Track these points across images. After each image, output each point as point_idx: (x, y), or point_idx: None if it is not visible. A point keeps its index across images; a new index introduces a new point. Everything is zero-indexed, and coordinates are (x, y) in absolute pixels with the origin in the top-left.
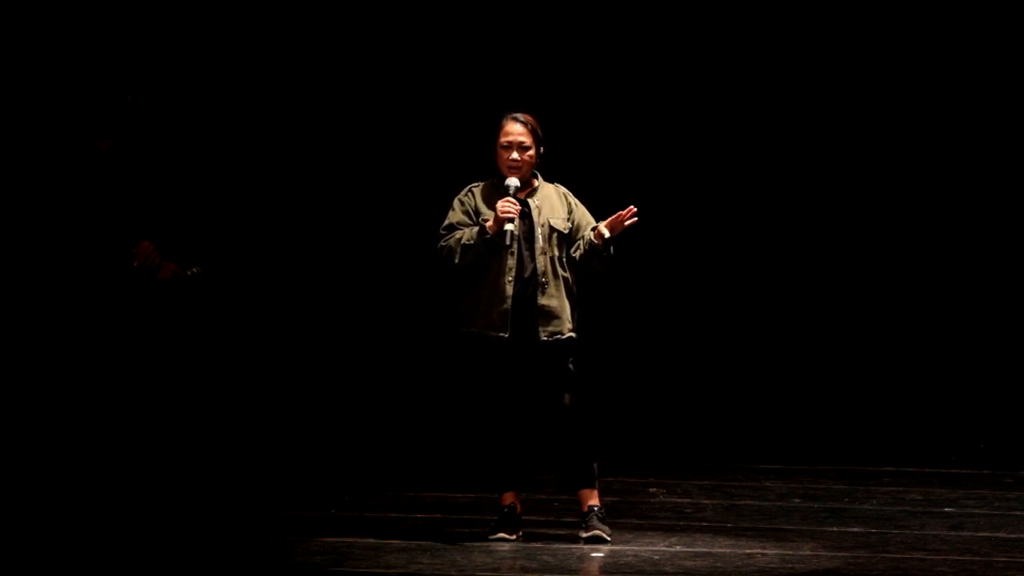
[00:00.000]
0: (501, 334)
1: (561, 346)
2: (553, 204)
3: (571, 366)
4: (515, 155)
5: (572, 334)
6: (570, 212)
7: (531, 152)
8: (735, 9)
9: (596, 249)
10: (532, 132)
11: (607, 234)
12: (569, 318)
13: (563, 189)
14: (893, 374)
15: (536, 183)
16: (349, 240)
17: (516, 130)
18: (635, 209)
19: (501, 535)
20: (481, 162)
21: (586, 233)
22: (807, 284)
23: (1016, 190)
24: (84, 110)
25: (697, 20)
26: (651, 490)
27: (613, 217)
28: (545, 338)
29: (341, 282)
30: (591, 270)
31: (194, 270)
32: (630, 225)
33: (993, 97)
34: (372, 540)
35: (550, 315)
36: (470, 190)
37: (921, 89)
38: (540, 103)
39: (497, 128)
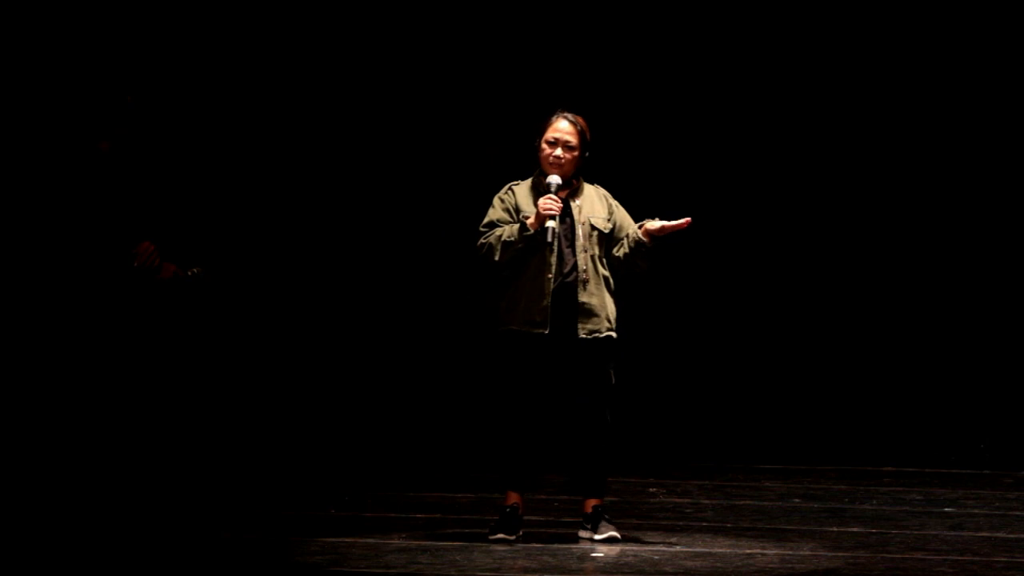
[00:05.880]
0: (541, 331)
1: (600, 344)
2: (594, 204)
3: (610, 371)
4: (559, 152)
5: (611, 333)
6: (611, 213)
7: (576, 153)
8: (738, 10)
9: (643, 245)
10: (580, 133)
11: (655, 227)
12: (609, 316)
13: (603, 191)
14: (893, 374)
15: (577, 184)
16: (348, 240)
17: (564, 128)
18: (690, 220)
19: (500, 535)
20: (481, 162)
21: (631, 231)
22: (807, 284)
23: (1016, 190)
24: (84, 110)
25: (700, 21)
26: (651, 490)
27: (667, 223)
28: (584, 335)
29: (341, 282)
30: (636, 267)
31: (194, 270)
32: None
33: (993, 97)
34: (372, 540)
35: (590, 312)
36: (510, 188)
37: (921, 90)
38: (539, 104)
39: (544, 124)
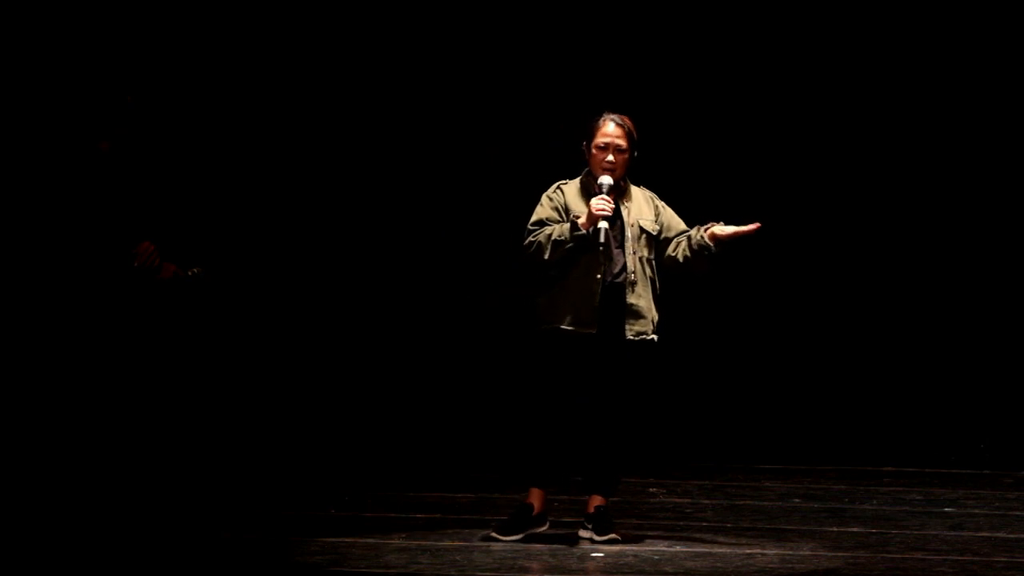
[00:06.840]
0: (589, 330)
1: (645, 347)
2: (641, 206)
3: (649, 374)
4: (611, 157)
5: (654, 336)
6: (657, 215)
7: (626, 155)
8: (745, 11)
9: (708, 249)
10: (628, 134)
11: (727, 232)
12: (653, 319)
13: (649, 192)
14: (893, 374)
15: (625, 185)
16: (347, 241)
17: (613, 131)
18: (760, 225)
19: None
20: (481, 162)
21: (694, 233)
22: (807, 284)
23: (1016, 190)
24: (84, 110)
25: (706, 21)
26: (651, 490)
27: (739, 228)
28: (631, 337)
29: (340, 283)
30: (697, 269)
31: (194, 270)
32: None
33: (993, 97)
34: (372, 540)
35: (637, 314)
36: (559, 187)
37: (919, 91)
38: (540, 104)
39: (592, 127)
